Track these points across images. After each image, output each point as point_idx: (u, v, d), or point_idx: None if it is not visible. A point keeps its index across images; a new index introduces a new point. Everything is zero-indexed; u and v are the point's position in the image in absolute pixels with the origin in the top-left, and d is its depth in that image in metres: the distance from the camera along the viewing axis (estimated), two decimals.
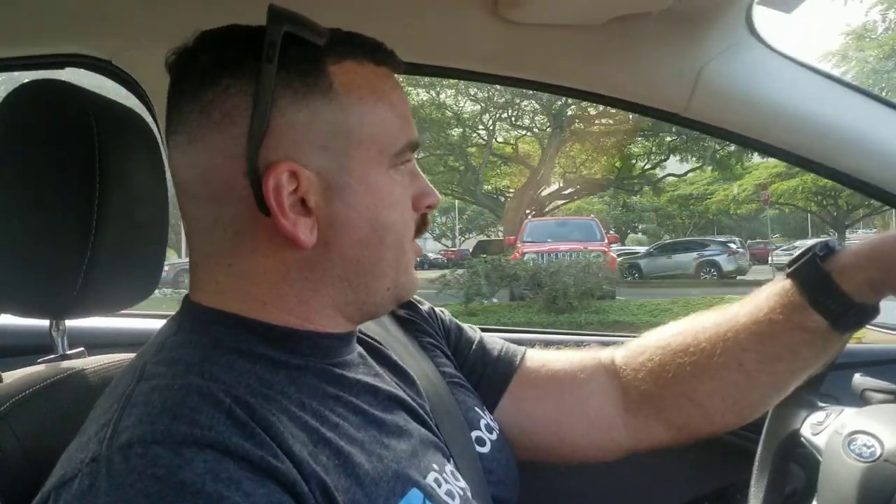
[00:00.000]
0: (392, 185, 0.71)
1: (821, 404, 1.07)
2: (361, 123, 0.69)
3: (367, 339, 0.82)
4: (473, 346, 0.96)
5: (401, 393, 0.76)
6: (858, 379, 1.07)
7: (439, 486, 0.68)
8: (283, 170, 0.65)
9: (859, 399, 1.06)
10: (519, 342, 1.02)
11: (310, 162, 0.67)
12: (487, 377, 0.93)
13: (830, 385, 1.06)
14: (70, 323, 0.92)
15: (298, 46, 0.66)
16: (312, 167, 0.67)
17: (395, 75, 0.74)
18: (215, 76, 0.67)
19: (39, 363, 0.88)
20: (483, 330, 1.04)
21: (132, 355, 0.73)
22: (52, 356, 0.91)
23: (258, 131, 0.65)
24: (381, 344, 0.83)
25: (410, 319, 0.94)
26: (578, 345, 1.01)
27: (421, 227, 0.76)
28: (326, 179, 0.67)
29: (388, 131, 0.71)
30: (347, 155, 0.68)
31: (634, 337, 0.98)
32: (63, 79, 0.84)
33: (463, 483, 0.72)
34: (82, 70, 1.25)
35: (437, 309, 1.00)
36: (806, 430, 1.04)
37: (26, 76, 0.94)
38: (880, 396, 1.03)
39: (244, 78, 0.66)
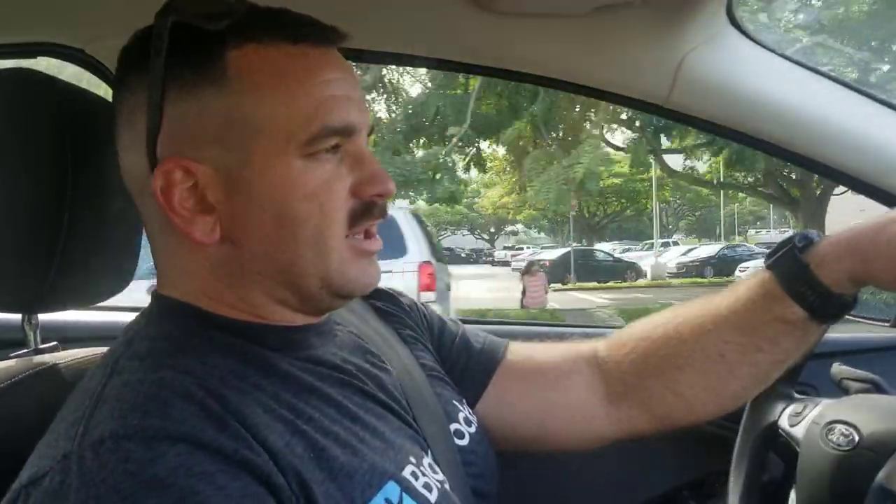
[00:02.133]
0: (305, 176, 0.66)
1: (798, 396, 1.08)
2: (258, 111, 0.65)
3: (344, 330, 0.81)
4: (456, 339, 0.96)
5: (377, 385, 0.75)
6: (837, 368, 1.08)
7: (416, 478, 0.68)
8: (171, 167, 0.65)
9: (838, 388, 1.07)
10: (502, 334, 1.02)
11: (204, 156, 0.65)
12: (470, 370, 0.93)
13: (809, 374, 1.07)
14: (44, 317, 0.91)
15: (192, 35, 0.64)
16: (208, 161, 0.65)
17: (329, 53, 0.69)
18: (124, 74, 0.68)
19: (11, 357, 0.86)
20: (464, 322, 1.04)
21: (107, 349, 0.72)
22: (25, 350, 0.90)
23: (152, 127, 0.65)
24: (358, 336, 0.82)
25: (390, 312, 0.93)
26: (561, 337, 1.01)
27: (364, 215, 0.70)
28: (225, 173, 0.66)
29: (296, 117, 0.65)
30: (245, 146, 0.65)
31: (617, 328, 0.98)
32: (35, 68, 0.83)
33: (441, 476, 0.72)
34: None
35: (418, 302, 0.99)
36: (784, 422, 1.05)
37: None
38: (858, 385, 1.04)
39: (143, 74, 0.65)
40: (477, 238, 48.89)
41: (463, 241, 48.44)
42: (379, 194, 0.70)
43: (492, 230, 47.96)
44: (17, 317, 0.90)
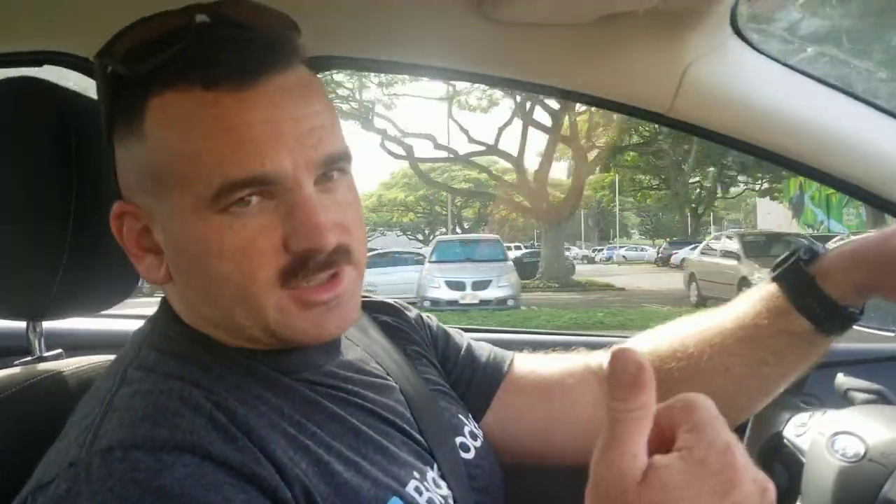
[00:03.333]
0: (220, 234, 0.61)
1: (803, 406, 1.08)
2: (169, 166, 0.62)
3: (349, 345, 0.81)
4: (461, 353, 0.96)
5: (380, 402, 0.75)
6: (841, 378, 1.08)
7: (420, 494, 0.68)
8: (121, 210, 0.67)
9: (842, 398, 1.06)
10: (506, 343, 1.01)
11: (143, 203, 0.66)
12: (476, 383, 0.93)
13: (814, 385, 1.07)
14: (48, 324, 0.91)
15: (128, 80, 0.63)
16: (146, 208, 0.66)
17: (252, 92, 0.61)
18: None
19: (16, 365, 0.86)
20: (471, 330, 1.03)
21: (111, 357, 0.72)
22: (30, 358, 0.90)
23: (109, 168, 0.67)
24: (363, 351, 0.82)
25: (396, 327, 0.93)
26: (567, 347, 1.01)
27: (299, 272, 0.63)
28: (160, 222, 0.66)
29: (200, 173, 0.60)
30: (167, 200, 0.63)
31: (624, 338, 0.98)
32: (40, 76, 0.83)
33: (445, 490, 0.72)
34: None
35: (424, 316, 0.98)
36: (789, 432, 1.04)
37: (3, 74, 0.93)
38: (863, 396, 1.04)
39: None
40: None
41: None
42: (307, 250, 0.62)
43: None
44: (22, 325, 0.90)
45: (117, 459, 0.53)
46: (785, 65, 1.11)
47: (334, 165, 0.65)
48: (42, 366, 0.86)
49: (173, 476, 0.52)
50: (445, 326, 1.00)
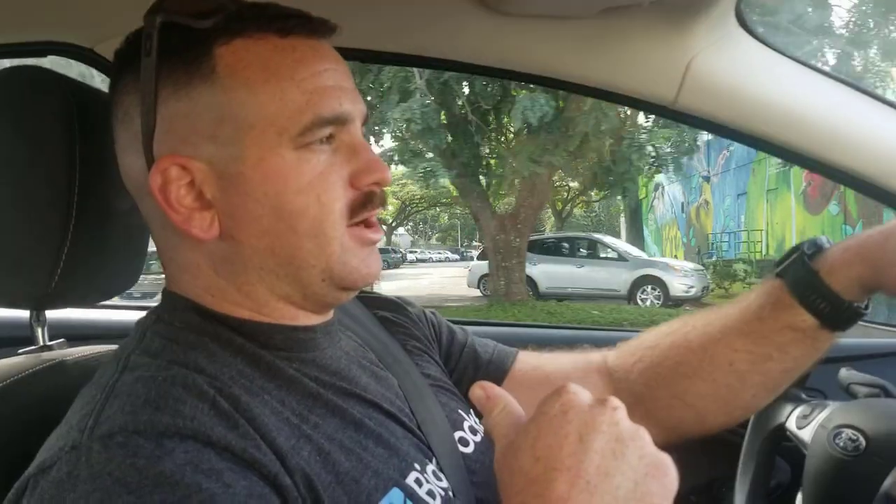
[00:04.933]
0: (299, 168, 0.66)
1: (806, 398, 1.08)
2: (248, 106, 0.65)
3: (350, 336, 0.81)
4: (465, 349, 0.96)
5: (381, 395, 0.75)
6: (845, 373, 1.08)
7: (420, 485, 0.68)
8: (168, 165, 0.65)
9: (845, 393, 1.06)
10: (510, 337, 1.01)
11: (199, 153, 0.66)
12: (479, 379, 0.93)
13: (817, 379, 1.06)
14: (51, 314, 0.91)
15: (181, 33, 0.64)
16: (203, 158, 0.66)
17: (319, 45, 0.69)
18: (119, 76, 0.69)
19: (19, 354, 0.86)
20: (474, 324, 1.03)
21: (114, 346, 0.72)
22: (33, 347, 0.90)
23: (147, 127, 0.65)
24: (361, 345, 0.82)
25: (396, 322, 0.93)
26: (570, 344, 1.01)
27: (364, 206, 0.69)
28: (219, 170, 0.66)
29: (286, 110, 0.65)
30: (238, 141, 0.65)
31: (628, 334, 0.98)
32: (44, 66, 0.83)
33: (445, 483, 0.72)
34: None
35: (427, 311, 0.98)
36: (791, 424, 1.04)
37: (6, 64, 0.93)
38: (866, 390, 1.04)
39: (135, 74, 0.66)
40: None
41: None
42: (376, 183, 0.69)
43: None
44: (25, 314, 0.91)
45: (118, 444, 0.53)
46: (790, 57, 1.11)
47: (365, 122, 0.72)
48: (45, 355, 0.86)
49: (173, 462, 0.53)
50: (449, 323, 1.00)
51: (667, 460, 0.48)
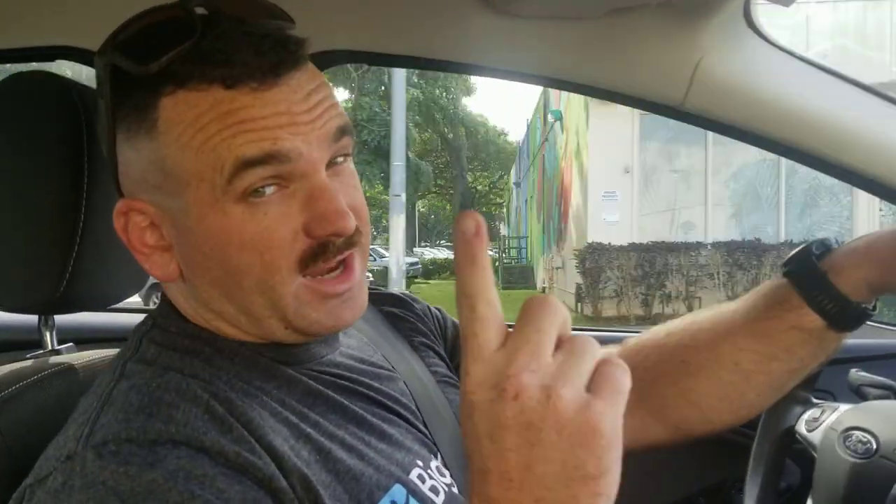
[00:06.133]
0: (242, 224, 0.61)
1: (816, 401, 1.07)
2: (182, 162, 0.61)
3: (353, 334, 0.81)
4: None
5: (383, 391, 0.75)
6: (854, 374, 1.07)
7: (423, 481, 0.68)
8: (127, 207, 0.65)
9: (855, 395, 1.06)
10: None
11: (152, 200, 0.65)
12: None
13: (826, 381, 1.06)
14: (60, 318, 0.92)
15: (132, 79, 0.62)
16: (155, 205, 0.65)
17: (272, 89, 0.62)
18: (96, 99, 0.68)
19: (28, 358, 0.87)
20: None
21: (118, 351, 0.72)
22: (41, 351, 0.90)
23: (112, 165, 0.66)
24: (367, 341, 0.82)
25: (403, 318, 0.93)
26: None
27: (317, 257, 0.64)
28: (171, 218, 0.65)
29: (210, 161, 0.60)
30: (180, 196, 0.63)
31: (633, 333, 0.97)
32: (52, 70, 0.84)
33: (448, 479, 0.72)
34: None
35: (433, 308, 0.98)
36: (801, 427, 1.04)
37: (16, 68, 0.93)
38: (876, 392, 1.03)
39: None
40: None
41: None
42: (334, 234, 0.64)
43: None
44: (34, 318, 0.91)
45: (111, 453, 0.54)
46: (799, 57, 1.10)
47: (342, 143, 0.66)
48: (54, 359, 0.86)
49: (166, 469, 0.53)
50: (454, 319, 1.00)
51: (592, 415, 0.42)
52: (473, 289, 0.44)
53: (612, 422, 0.42)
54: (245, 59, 0.61)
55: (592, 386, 0.43)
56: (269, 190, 0.62)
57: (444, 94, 29.78)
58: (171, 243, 0.66)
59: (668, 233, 11.79)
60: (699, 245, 11.38)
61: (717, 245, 11.25)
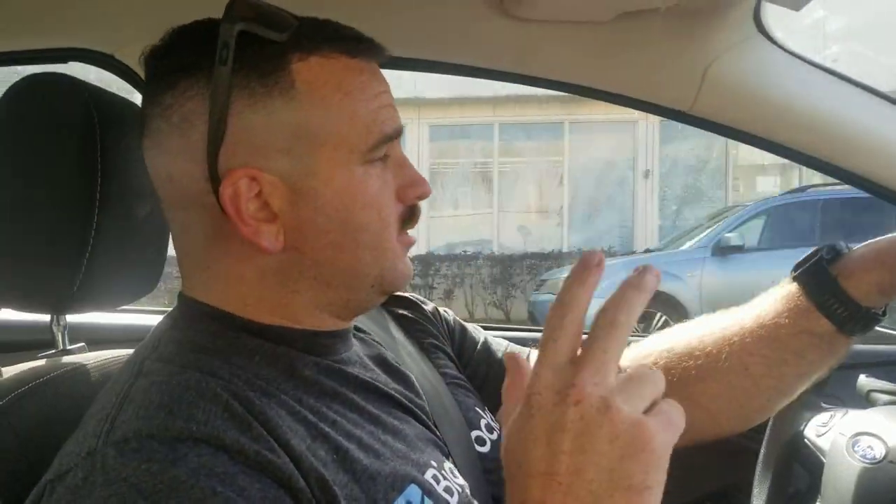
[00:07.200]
0: (366, 184, 0.68)
1: (825, 406, 1.07)
2: (325, 124, 0.66)
3: (364, 338, 0.81)
4: (478, 347, 0.96)
5: (398, 391, 0.75)
6: (864, 380, 1.07)
7: (438, 482, 0.68)
8: (241, 176, 0.64)
9: (864, 400, 1.05)
10: (523, 341, 1.01)
11: (271, 166, 0.65)
12: (491, 378, 0.93)
13: (835, 386, 1.05)
14: (71, 318, 0.92)
15: (258, 44, 0.64)
16: (274, 171, 0.65)
17: (376, 66, 0.71)
18: (173, 78, 0.66)
19: (40, 358, 0.87)
20: (485, 328, 1.03)
21: (133, 351, 0.72)
22: (53, 351, 0.91)
23: (215, 136, 0.64)
24: (378, 343, 0.82)
25: (412, 319, 0.93)
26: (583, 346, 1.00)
27: (409, 219, 0.73)
28: (290, 184, 0.65)
29: (357, 128, 0.67)
30: (312, 157, 0.65)
31: (641, 337, 0.97)
32: (65, 72, 0.84)
33: (462, 480, 0.72)
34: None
35: (441, 309, 0.99)
36: (810, 432, 1.04)
37: (29, 70, 0.94)
38: (885, 398, 1.03)
39: (201, 80, 0.64)
40: None
41: None
42: (419, 196, 0.72)
43: None
44: (46, 318, 0.92)
45: (132, 450, 0.54)
46: (809, 62, 1.10)
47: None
48: (65, 359, 0.87)
49: (187, 466, 0.53)
50: (462, 321, 1.00)
51: (644, 432, 0.45)
52: (572, 301, 0.48)
53: (663, 442, 0.46)
54: (354, 34, 0.69)
55: (650, 412, 0.46)
56: (381, 158, 0.70)
57: None
58: (277, 213, 0.66)
59: None
60: None
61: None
